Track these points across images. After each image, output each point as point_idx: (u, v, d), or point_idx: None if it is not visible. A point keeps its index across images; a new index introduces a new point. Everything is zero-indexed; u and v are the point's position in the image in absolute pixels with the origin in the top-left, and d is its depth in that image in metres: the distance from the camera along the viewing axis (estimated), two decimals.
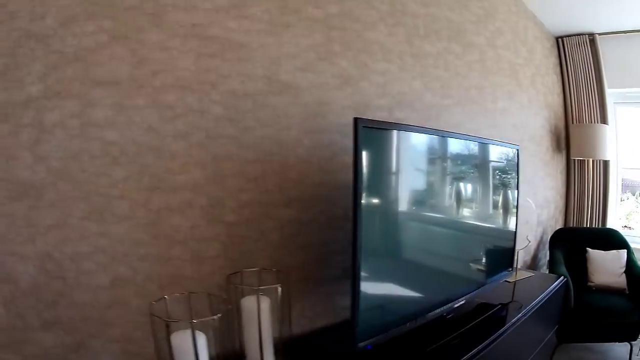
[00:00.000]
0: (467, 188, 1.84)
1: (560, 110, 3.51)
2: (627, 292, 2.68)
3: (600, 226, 3.40)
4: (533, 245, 3.08)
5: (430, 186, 1.65)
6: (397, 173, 1.49)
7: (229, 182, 1.35)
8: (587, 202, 3.42)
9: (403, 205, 1.52)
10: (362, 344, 1.26)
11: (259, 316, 1.16)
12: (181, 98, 1.25)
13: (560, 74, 3.53)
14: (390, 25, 1.92)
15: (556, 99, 3.46)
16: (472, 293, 1.79)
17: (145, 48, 1.19)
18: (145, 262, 1.19)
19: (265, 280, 1.28)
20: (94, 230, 1.11)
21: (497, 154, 2.03)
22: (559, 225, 3.47)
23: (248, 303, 1.19)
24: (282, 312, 1.21)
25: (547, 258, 3.00)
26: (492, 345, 1.55)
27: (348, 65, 1.72)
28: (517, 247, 2.18)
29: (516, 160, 2.13)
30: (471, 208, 1.89)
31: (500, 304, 1.87)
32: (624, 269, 2.76)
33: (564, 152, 3.53)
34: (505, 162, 2.09)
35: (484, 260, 1.91)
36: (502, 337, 1.62)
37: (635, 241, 3.03)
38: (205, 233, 1.30)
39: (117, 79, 1.14)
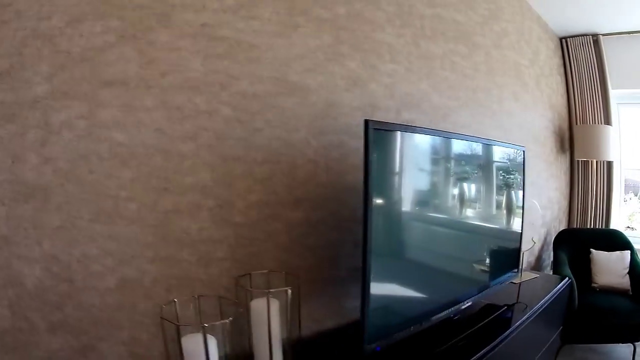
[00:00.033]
0: (474, 190, 1.80)
1: (564, 111, 3.45)
2: (631, 293, 2.63)
3: (603, 227, 3.34)
4: (537, 246, 3.02)
5: (438, 188, 1.61)
6: (406, 175, 1.45)
7: (238, 183, 1.31)
8: (591, 203, 3.37)
9: (412, 207, 1.49)
10: (370, 346, 1.23)
11: (269, 319, 1.12)
12: (190, 99, 1.21)
13: (564, 75, 3.47)
14: (398, 27, 1.87)
15: (560, 100, 3.40)
16: (479, 295, 1.75)
17: (154, 48, 1.15)
18: (153, 265, 1.15)
19: (274, 282, 1.25)
20: (101, 233, 1.07)
21: (504, 155, 2.00)
22: (563, 226, 3.41)
23: (257, 305, 1.16)
24: (291, 315, 1.18)
25: (551, 259, 2.95)
26: (498, 347, 1.52)
27: (356, 66, 1.67)
28: (523, 249, 2.14)
29: (522, 162, 2.09)
30: (478, 209, 1.85)
31: (505, 305, 1.83)
32: (627, 269, 2.72)
33: (567, 153, 3.47)
34: (511, 163, 2.05)
35: (490, 261, 1.87)
36: (508, 338, 1.60)
37: (638, 242, 2.97)
38: (213, 235, 1.26)
39: (125, 80, 1.10)
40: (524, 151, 2.10)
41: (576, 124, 3.44)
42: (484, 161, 1.86)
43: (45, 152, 0.99)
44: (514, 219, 2.04)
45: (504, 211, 2.00)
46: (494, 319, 1.71)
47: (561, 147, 3.37)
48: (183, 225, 1.20)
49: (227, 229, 1.29)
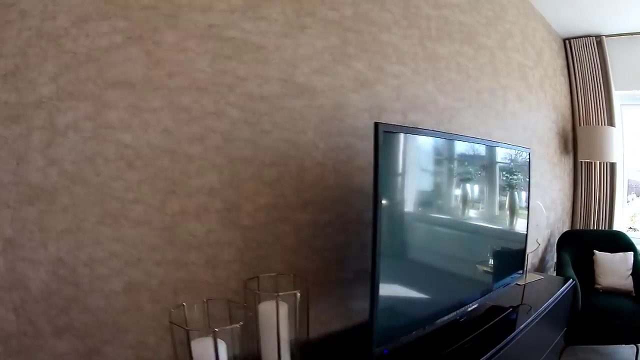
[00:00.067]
0: (482, 192, 1.77)
1: (568, 112, 3.40)
2: (634, 295, 2.59)
3: (606, 228, 3.29)
4: (541, 248, 2.97)
5: (446, 190, 1.58)
6: (415, 177, 1.42)
7: (245, 185, 1.28)
8: (594, 205, 3.31)
9: (422, 209, 1.46)
10: (378, 349, 1.20)
11: (278, 322, 1.09)
12: (197, 100, 1.17)
13: (567, 76, 3.41)
14: (404, 28, 1.83)
15: (563, 101, 3.34)
16: (485, 296, 1.72)
17: (161, 49, 1.11)
18: (160, 267, 1.12)
19: (282, 285, 1.21)
20: (108, 235, 1.04)
21: (510, 157, 1.96)
22: (566, 227, 3.35)
23: (266, 308, 1.13)
24: (299, 317, 1.15)
25: (555, 260, 2.90)
26: (504, 350, 1.48)
27: (363, 67, 1.63)
28: (528, 250, 2.09)
29: (527, 164, 2.05)
30: (485, 211, 1.81)
31: (511, 307, 1.80)
32: (630, 271, 2.67)
33: (571, 154, 3.41)
34: (517, 165, 2.01)
35: (497, 263, 1.84)
36: (513, 341, 1.56)
37: None
38: (221, 238, 1.22)
39: (131, 81, 1.06)
40: (529, 153, 2.06)
41: (579, 125, 3.38)
42: (491, 163, 1.83)
43: (51, 153, 0.96)
44: (519, 220, 2.01)
45: (510, 213, 1.96)
46: (499, 321, 1.68)
47: (565, 148, 3.32)
48: (190, 227, 1.17)
49: (235, 231, 1.26)
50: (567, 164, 3.38)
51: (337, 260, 1.54)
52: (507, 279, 1.92)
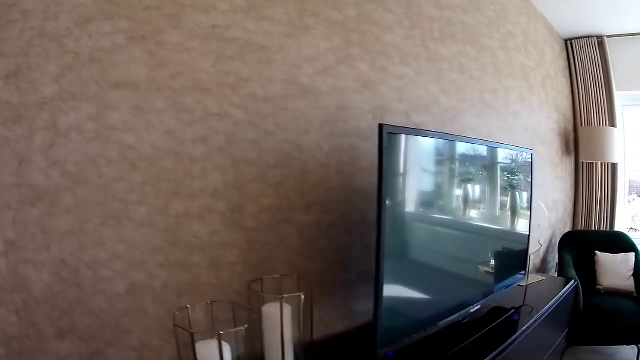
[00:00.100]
0: (483, 193, 1.74)
1: (569, 113, 3.36)
2: (635, 295, 2.55)
3: (608, 229, 3.25)
4: (543, 249, 2.94)
5: (450, 192, 1.55)
6: (420, 179, 1.40)
7: (249, 187, 1.25)
8: (595, 205, 3.27)
9: (426, 210, 1.43)
10: (382, 351, 1.18)
11: (282, 324, 1.07)
12: (201, 101, 1.15)
13: (569, 77, 3.37)
14: (407, 28, 1.80)
15: (565, 102, 3.30)
16: (487, 298, 1.69)
17: (164, 50, 1.09)
18: (163, 269, 1.10)
19: (286, 287, 1.19)
20: (111, 237, 1.02)
21: (513, 158, 1.93)
22: (568, 228, 3.32)
23: (269, 310, 1.11)
24: (303, 319, 1.13)
25: (556, 261, 2.87)
26: (507, 351, 1.46)
27: (366, 68, 1.60)
28: (530, 251, 2.07)
29: (530, 165, 2.02)
30: (488, 212, 1.78)
31: (513, 308, 1.77)
32: (632, 272, 2.63)
33: (572, 155, 3.38)
34: (520, 166, 1.98)
35: (500, 264, 1.81)
36: (516, 342, 1.54)
37: None
38: (224, 239, 1.20)
39: (135, 81, 1.04)
40: (532, 154, 2.03)
41: (581, 125, 3.34)
42: (495, 165, 1.80)
43: (53, 154, 0.93)
44: (522, 221, 1.98)
45: (513, 214, 1.93)
46: (502, 322, 1.65)
47: (566, 149, 3.28)
48: (194, 229, 1.15)
49: (239, 233, 1.23)
50: (569, 164, 3.34)
51: (340, 261, 1.52)
52: (510, 280, 1.89)
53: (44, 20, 0.89)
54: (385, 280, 1.16)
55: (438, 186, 1.50)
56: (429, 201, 1.45)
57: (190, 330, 0.91)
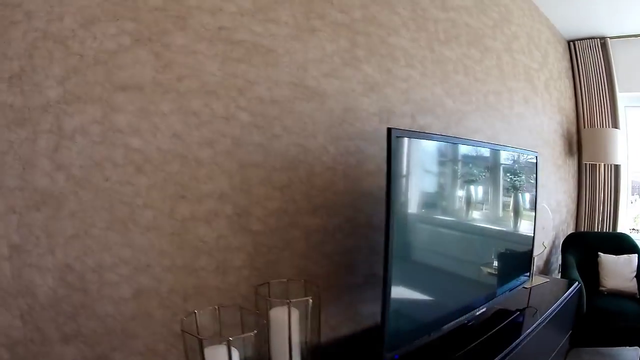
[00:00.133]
0: (492, 195, 1.70)
1: (572, 114, 3.31)
2: (638, 297, 2.51)
3: (610, 230, 3.20)
4: (546, 250, 2.90)
5: (458, 194, 1.52)
6: (427, 182, 1.36)
7: (256, 190, 1.22)
8: (598, 207, 3.23)
9: (434, 213, 1.40)
10: (390, 354, 1.15)
11: (289, 328, 1.04)
12: (207, 104, 1.12)
13: (572, 78, 3.32)
14: (413, 31, 1.76)
15: (568, 103, 3.26)
16: (492, 300, 1.66)
17: (170, 52, 1.05)
18: (169, 273, 1.07)
19: (292, 290, 1.16)
20: (116, 241, 0.99)
21: (519, 161, 1.90)
22: (571, 229, 3.27)
23: (277, 314, 1.08)
24: (311, 323, 1.10)
25: (559, 262, 2.83)
26: (512, 353, 1.43)
27: (372, 71, 1.57)
28: (534, 253, 2.03)
29: (535, 167, 1.98)
30: (495, 215, 1.75)
31: (518, 310, 1.74)
32: (635, 273, 2.59)
33: (575, 156, 3.33)
34: (526, 168, 1.95)
35: (505, 267, 1.78)
36: (521, 344, 1.51)
37: None
38: (231, 243, 1.17)
39: (140, 84, 1.01)
40: (537, 156, 1.99)
41: (584, 127, 3.30)
42: (501, 167, 1.76)
43: (58, 158, 0.90)
44: (527, 223, 1.94)
45: (518, 216, 1.90)
46: (506, 325, 1.62)
47: (569, 151, 3.23)
48: (200, 233, 1.12)
49: (245, 236, 1.20)
50: (572, 166, 3.29)
51: (346, 264, 1.49)
52: (515, 282, 1.86)
53: (48, 22, 0.86)
54: (392, 283, 1.13)
55: (445, 189, 1.46)
56: (436, 204, 1.41)
57: (199, 337, 0.88)
